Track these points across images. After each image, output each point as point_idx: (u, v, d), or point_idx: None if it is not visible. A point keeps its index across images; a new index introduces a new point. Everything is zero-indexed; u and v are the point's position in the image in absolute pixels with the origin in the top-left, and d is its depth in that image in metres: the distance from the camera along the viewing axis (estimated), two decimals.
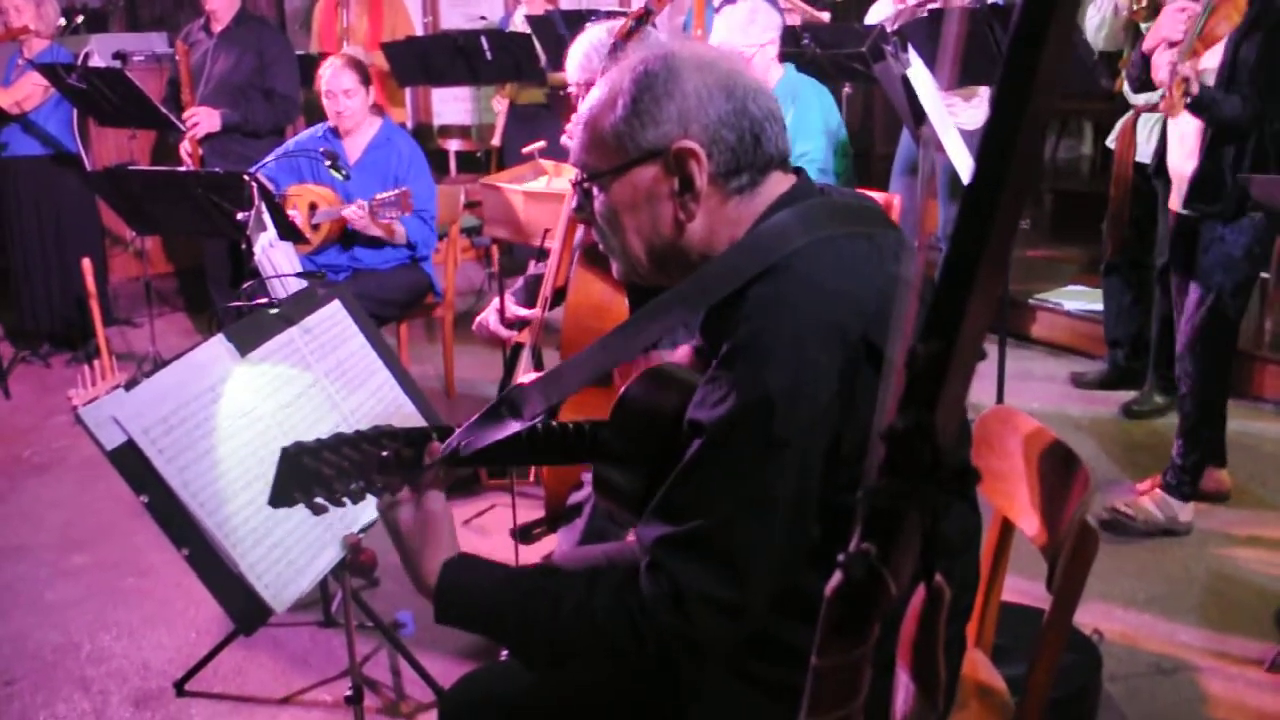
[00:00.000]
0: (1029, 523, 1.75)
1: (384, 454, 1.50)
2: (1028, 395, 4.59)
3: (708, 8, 5.17)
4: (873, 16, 5.17)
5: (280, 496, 1.50)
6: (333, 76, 4.31)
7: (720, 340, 1.36)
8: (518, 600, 1.42)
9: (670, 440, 1.40)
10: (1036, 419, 1.83)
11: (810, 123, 3.76)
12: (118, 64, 5.22)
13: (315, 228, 4.27)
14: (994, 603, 1.89)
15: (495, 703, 1.71)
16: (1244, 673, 2.84)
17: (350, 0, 5.99)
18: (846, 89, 5.44)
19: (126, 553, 3.59)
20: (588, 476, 2.69)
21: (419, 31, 6.59)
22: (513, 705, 1.69)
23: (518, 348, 3.27)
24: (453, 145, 6.97)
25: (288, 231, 3.57)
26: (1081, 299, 5.28)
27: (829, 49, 5.04)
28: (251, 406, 2.12)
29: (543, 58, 5.66)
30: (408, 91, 6.55)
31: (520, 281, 3.24)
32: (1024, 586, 2.71)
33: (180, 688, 2.87)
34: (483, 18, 7.01)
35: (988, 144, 0.67)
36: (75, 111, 5.27)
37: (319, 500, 1.50)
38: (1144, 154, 4.19)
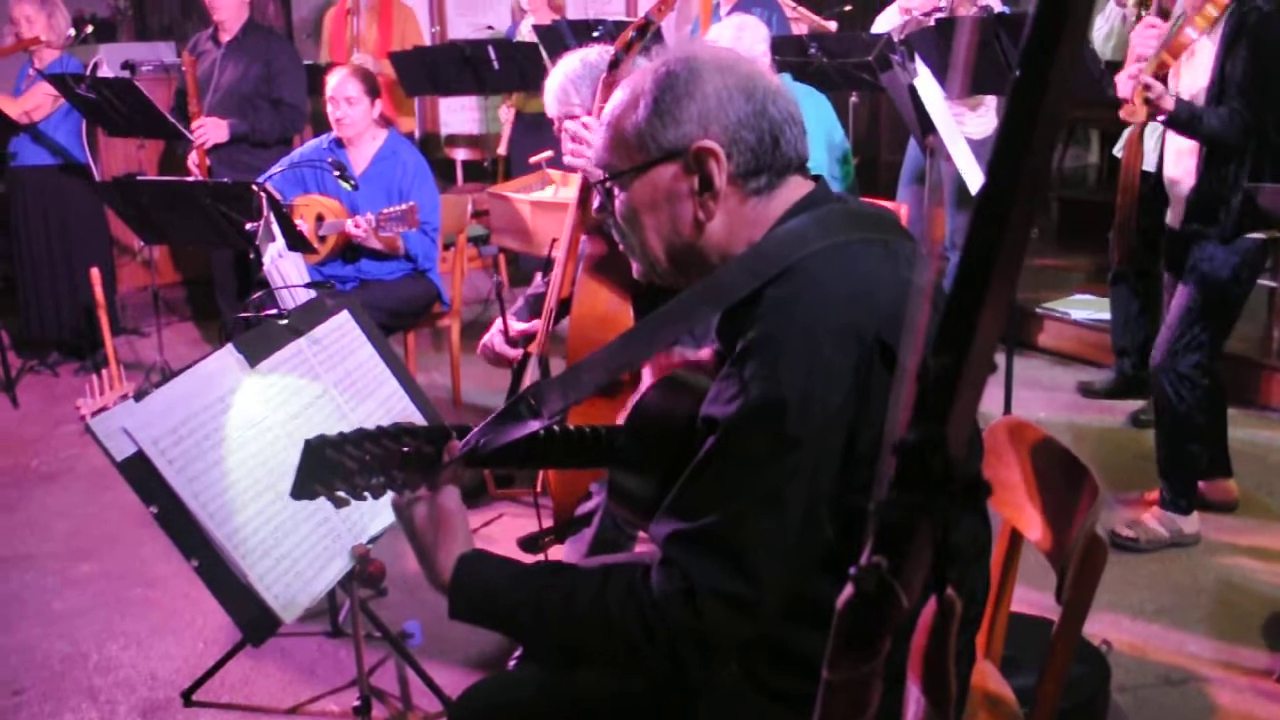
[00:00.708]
0: (1038, 533, 1.75)
1: (405, 450, 1.51)
2: (1035, 404, 4.58)
3: (714, 16, 5.19)
4: (879, 26, 5.18)
5: (302, 488, 1.50)
6: (338, 84, 4.32)
7: (735, 340, 1.37)
8: (531, 595, 1.42)
9: (686, 447, 1.40)
10: (1044, 428, 1.83)
11: (808, 129, 3.78)
12: (126, 74, 5.24)
13: (322, 239, 4.28)
14: (1003, 613, 1.88)
15: (502, 713, 1.71)
16: (1253, 683, 2.83)
17: (361, 8, 6.01)
18: (853, 98, 5.46)
19: (134, 562, 3.60)
20: (596, 486, 2.69)
21: (428, 41, 6.60)
22: (520, 715, 1.69)
23: (524, 358, 3.27)
24: (460, 154, 6.98)
25: (296, 242, 3.58)
26: (1089, 308, 5.27)
27: (836, 58, 5.04)
28: (261, 417, 2.13)
29: (549, 68, 5.66)
30: (416, 101, 6.55)
31: (521, 300, 3.24)
32: (1033, 597, 2.71)
33: (188, 698, 2.87)
34: (490, 27, 7.03)
35: (999, 157, 0.67)
36: (84, 121, 5.28)
37: (340, 493, 1.51)
38: (1150, 163, 4.19)
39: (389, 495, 1.54)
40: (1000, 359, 4.13)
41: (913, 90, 3.95)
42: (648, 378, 1.63)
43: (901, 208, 4.36)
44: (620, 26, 4.72)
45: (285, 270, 2.97)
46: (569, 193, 4.59)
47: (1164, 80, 3.37)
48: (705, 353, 1.70)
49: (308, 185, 4.41)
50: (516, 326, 3.11)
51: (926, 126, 3.96)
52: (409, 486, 1.51)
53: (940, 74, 4.13)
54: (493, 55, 5.61)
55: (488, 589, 1.45)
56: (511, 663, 2.16)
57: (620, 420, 1.60)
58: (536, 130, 6.08)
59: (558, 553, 2.84)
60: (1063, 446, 1.76)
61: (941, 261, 5.01)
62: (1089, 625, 1.65)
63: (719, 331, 1.48)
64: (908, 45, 4.73)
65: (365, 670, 2.60)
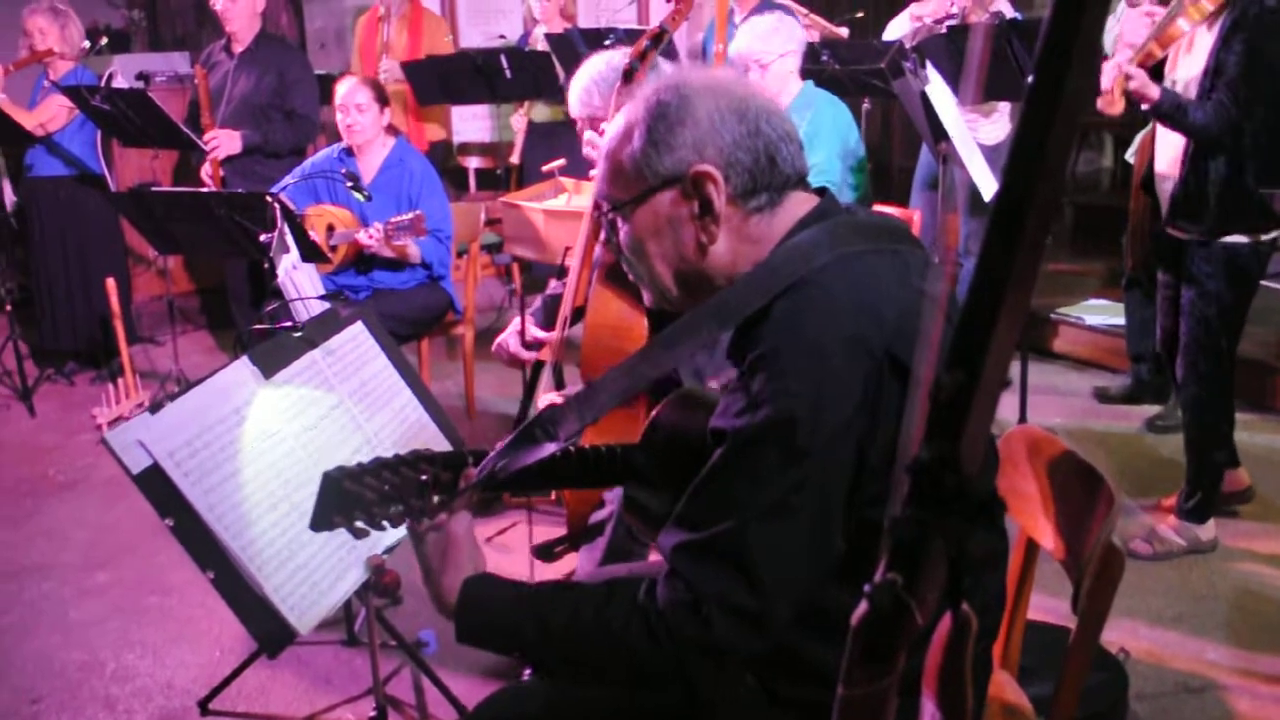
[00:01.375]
0: (1054, 543, 1.74)
1: (422, 477, 1.52)
2: (1051, 410, 4.57)
3: (730, 24, 5.19)
4: (890, 33, 5.18)
5: (321, 520, 1.52)
6: (348, 91, 4.34)
7: (746, 354, 1.37)
8: (536, 613, 1.43)
9: (699, 462, 1.41)
10: (1060, 435, 1.82)
11: (822, 133, 3.78)
12: (140, 85, 5.27)
13: (333, 249, 4.29)
14: (1019, 623, 1.88)
15: None
16: (1273, 691, 2.82)
17: (391, 16, 6.04)
18: (865, 104, 5.45)
19: (151, 571, 3.61)
20: (609, 496, 2.70)
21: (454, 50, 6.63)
22: None
23: (538, 366, 3.28)
24: (472, 163, 7.00)
25: (310, 252, 3.59)
26: (1104, 313, 5.25)
27: (848, 65, 5.05)
28: (276, 429, 2.14)
29: (562, 76, 5.68)
30: (447, 110, 6.58)
31: (538, 301, 3.25)
32: (1050, 605, 2.70)
33: (204, 707, 2.88)
34: (502, 36, 7.04)
35: (1014, 166, 0.66)
36: (99, 132, 5.31)
37: (360, 524, 1.52)
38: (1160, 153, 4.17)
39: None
40: (1015, 365, 4.12)
41: (925, 97, 3.95)
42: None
43: (915, 214, 4.35)
44: (632, 35, 4.72)
45: (299, 281, 2.98)
46: (582, 201, 4.60)
47: (1157, 72, 3.35)
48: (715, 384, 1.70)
49: (319, 195, 4.43)
50: (533, 332, 3.12)
51: (939, 133, 3.95)
52: (427, 514, 1.52)
53: (952, 80, 4.12)
54: (505, 64, 5.62)
55: (492, 611, 1.46)
56: (527, 673, 2.16)
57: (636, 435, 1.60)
58: (549, 138, 6.10)
59: (571, 561, 2.84)
60: (1079, 455, 1.75)
61: (955, 268, 5.00)
62: (1106, 632, 1.64)
63: (730, 346, 1.48)
64: (919, 52, 4.72)
65: (381, 679, 2.60)
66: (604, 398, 1.48)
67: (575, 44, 5.50)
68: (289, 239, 3.23)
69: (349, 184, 3.83)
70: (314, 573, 2.07)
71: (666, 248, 1.48)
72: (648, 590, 1.38)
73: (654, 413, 1.57)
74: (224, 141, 4.90)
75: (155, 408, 1.98)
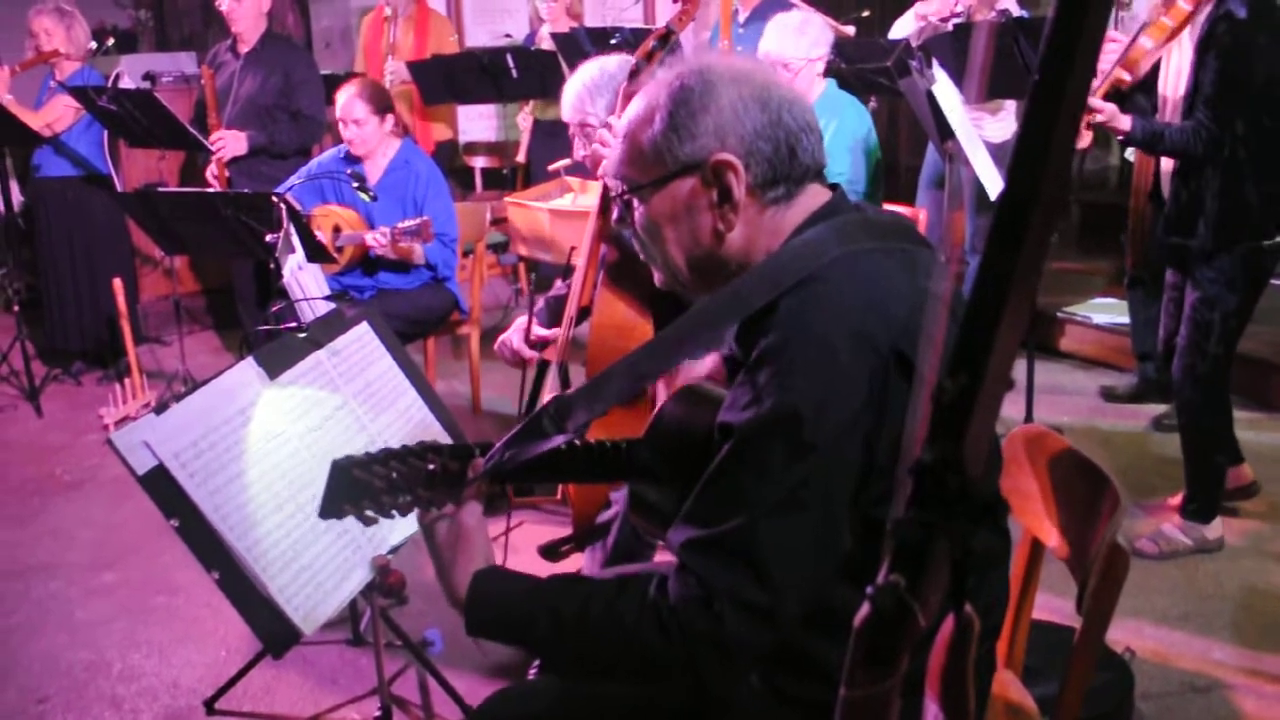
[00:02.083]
0: (1059, 542, 1.74)
1: (430, 467, 1.52)
2: (1057, 409, 4.56)
3: (734, 24, 5.19)
4: (896, 32, 5.17)
5: (330, 508, 1.52)
6: (345, 107, 4.32)
7: (751, 348, 1.37)
8: (546, 608, 1.43)
9: (705, 458, 1.40)
10: (1066, 434, 1.82)
11: (848, 143, 3.76)
12: (147, 85, 5.28)
13: (339, 250, 4.30)
14: (1024, 623, 1.87)
15: None
16: (1279, 690, 2.81)
17: (398, 16, 6.04)
18: (872, 103, 5.44)
19: (157, 571, 3.62)
20: (615, 495, 2.70)
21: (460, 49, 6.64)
22: None
23: (543, 366, 3.28)
24: (479, 162, 7.01)
25: (316, 253, 3.59)
26: (1110, 311, 5.25)
27: (854, 64, 5.04)
28: (281, 429, 2.14)
29: (568, 75, 5.67)
30: (454, 109, 6.59)
31: (542, 302, 3.25)
32: (1055, 604, 2.69)
33: (210, 706, 2.89)
34: (508, 36, 7.05)
35: (1018, 164, 0.66)
36: (106, 133, 5.32)
37: (369, 512, 1.52)
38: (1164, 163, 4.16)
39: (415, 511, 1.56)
40: (1021, 364, 4.11)
41: (931, 95, 3.94)
42: (663, 390, 1.64)
43: (921, 212, 4.35)
44: (638, 34, 4.72)
45: (305, 282, 2.98)
46: (588, 200, 4.60)
47: (1144, 88, 3.34)
48: (709, 362, 1.70)
49: (325, 195, 4.43)
50: (537, 331, 3.12)
51: (945, 131, 3.94)
52: (435, 504, 1.52)
53: (958, 79, 4.12)
54: (511, 63, 5.62)
55: (503, 604, 1.46)
56: (532, 671, 2.17)
57: (641, 431, 1.60)
58: (555, 138, 6.09)
59: (577, 561, 2.84)
60: (1083, 455, 1.75)
61: (961, 266, 4.99)
62: (1111, 632, 1.64)
63: (737, 340, 1.48)
64: (925, 51, 4.71)
65: (386, 679, 2.60)
66: (613, 389, 1.47)
67: (581, 43, 5.49)
68: (294, 239, 3.23)
69: (355, 184, 3.83)
70: (319, 573, 2.08)
71: (682, 233, 1.48)
72: (659, 585, 1.38)
73: (659, 408, 1.57)
74: (230, 142, 4.90)
75: (160, 408, 1.99)
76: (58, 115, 5.23)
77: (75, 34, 5.27)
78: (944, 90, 3.92)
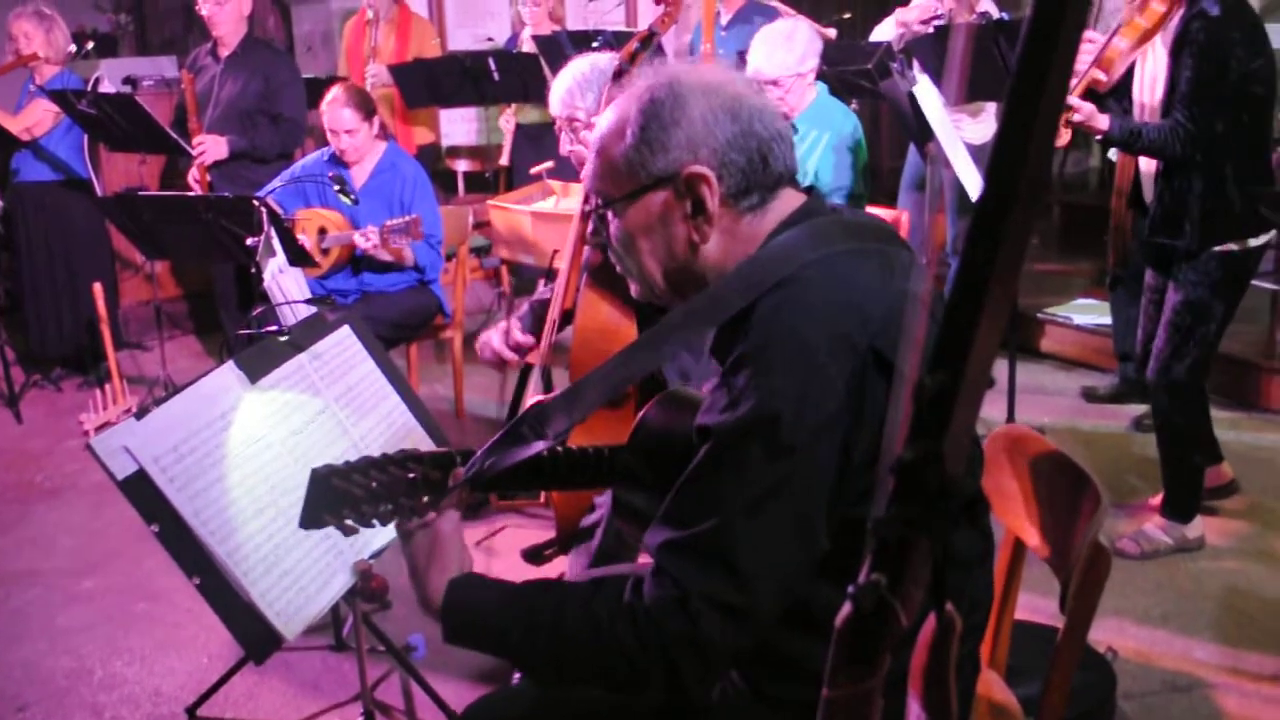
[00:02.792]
0: (1041, 542, 1.74)
1: (411, 476, 1.52)
2: (1039, 410, 4.58)
3: (716, 26, 5.19)
4: (876, 38, 5.19)
5: (310, 518, 1.52)
6: (333, 117, 4.31)
7: (728, 352, 1.37)
8: (521, 613, 1.42)
9: (689, 462, 1.40)
10: (1048, 434, 1.83)
11: (841, 153, 3.76)
12: (127, 89, 5.25)
13: (325, 252, 4.28)
14: (1007, 623, 1.88)
15: None
16: (1260, 689, 2.82)
17: (379, 20, 6.03)
18: (853, 105, 5.46)
19: (138, 577, 3.60)
20: (599, 500, 2.69)
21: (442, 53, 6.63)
22: None
23: (526, 370, 3.28)
24: (461, 165, 7.00)
25: (297, 256, 3.58)
26: (1091, 313, 5.27)
27: (835, 66, 5.05)
28: (262, 434, 2.13)
29: (550, 78, 5.67)
30: (436, 112, 6.58)
31: (526, 306, 3.24)
32: (1037, 604, 2.70)
33: (192, 714, 2.87)
34: (490, 39, 7.04)
35: (996, 164, 0.66)
36: (86, 137, 5.30)
37: (349, 522, 1.52)
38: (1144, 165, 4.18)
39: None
40: (1003, 365, 4.13)
41: (912, 97, 3.95)
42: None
43: (902, 214, 4.36)
44: (620, 37, 4.73)
45: (286, 285, 2.97)
46: (570, 203, 4.60)
47: (1118, 95, 3.35)
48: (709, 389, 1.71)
49: (309, 199, 4.42)
50: (516, 336, 3.11)
51: (926, 133, 3.96)
52: (416, 512, 1.51)
53: (940, 81, 4.13)
54: (493, 66, 5.62)
55: (477, 611, 1.45)
56: (516, 676, 2.16)
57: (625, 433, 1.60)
58: (537, 141, 6.10)
59: (560, 565, 2.84)
60: (1065, 455, 1.75)
61: (942, 268, 5.01)
62: (1094, 631, 1.65)
63: (714, 344, 1.48)
64: (907, 53, 4.73)
65: (369, 684, 2.60)
66: (591, 395, 1.48)
67: (563, 46, 5.49)
68: (275, 243, 3.22)
69: (336, 188, 3.82)
70: (300, 578, 2.07)
71: (657, 245, 1.48)
72: (634, 587, 1.38)
73: (641, 413, 1.57)
74: (211, 147, 4.88)
75: (141, 413, 1.98)
76: (37, 119, 5.19)
77: (55, 37, 5.24)
78: (925, 92, 3.93)
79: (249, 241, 3.40)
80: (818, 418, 1.30)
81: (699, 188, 1.42)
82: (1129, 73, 3.40)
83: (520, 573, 2.96)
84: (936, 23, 4.78)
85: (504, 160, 6.43)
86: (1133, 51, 3.26)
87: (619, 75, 2.76)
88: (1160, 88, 3.29)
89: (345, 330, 2.40)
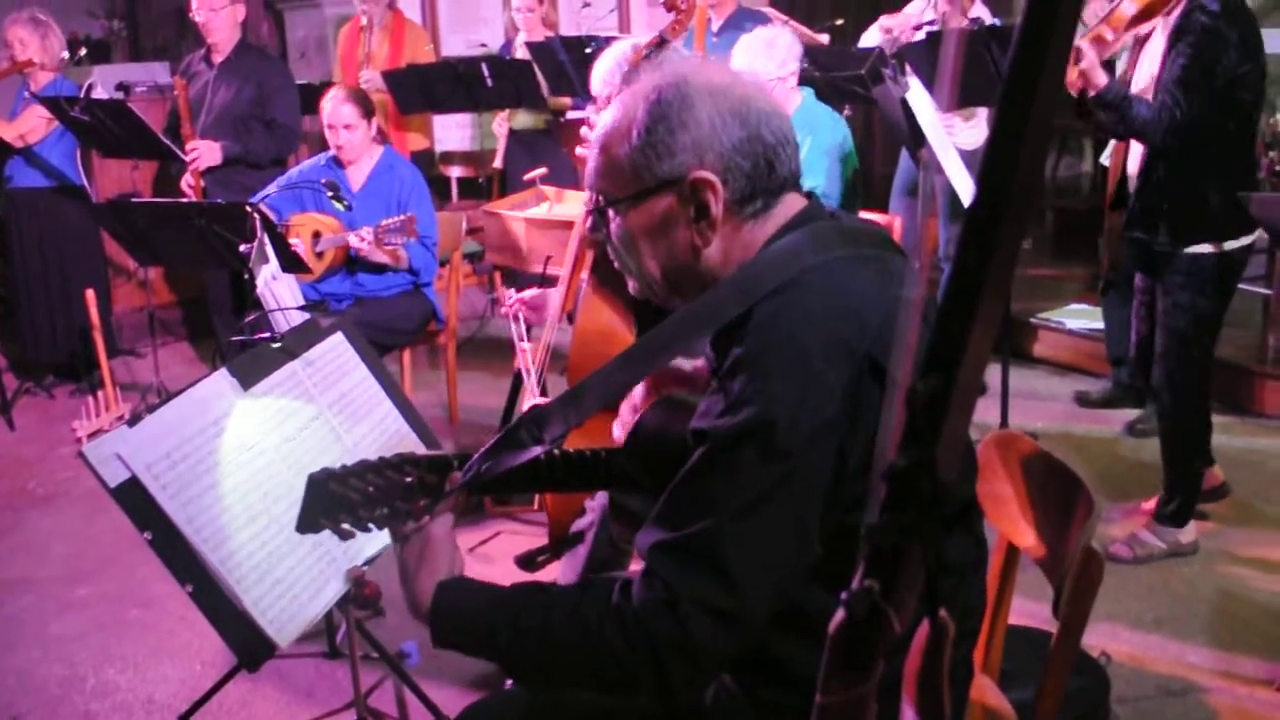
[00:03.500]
0: (1034, 547, 1.75)
1: (407, 480, 1.51)
2: (1032, 415, 4.58)
3: (708, 33, 5.20)
4: (864, 44, 5.21)
5: (307, 522, 1.52)
6: (333, 111, 4.35)
7: (725, 355, 1.37)
8: (509, 616, 1.41)
9: (683, 465, 1.40)
10: (1041, 439, 1.83)
11: (825, 157, 3.77)
12: (120, 95, 5.24)
13: (319, 255, 4.28)
14: (1000, 628, 1.88)
15: None
16: (1253, 693, 2.83)
17: (374, 27, 6.04)
18: (846, 111, 5.47)
19: (131, 584, 3.59)
20: (590, 504, 2.69)
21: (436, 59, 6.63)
22: None
23: (519, 375, 3.28)
24: (454, 171, 7.00)
25: (291, 263, 3.58)
26: (1084, 318, 5.28)
27: (828, 71, 5.06)
28: (255, 441, 2.13)
29: (543, 84, 5.68)
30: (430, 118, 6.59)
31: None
32: (1031, 609, 2.70)
33: None
34: (483, 45, 7.04)
35: (987, 170, 0.67)
36: (79, 143, 5.29)
37: (345, 526, 1.52)
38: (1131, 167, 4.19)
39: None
40: (996, 370, 4.13)
41: (904, 103, 3.96)
42: (640, 391, 1.63)
43: (895, 220, 4.36)
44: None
45: (279, 292, 2.96)
46: (563, 209, 4.61)
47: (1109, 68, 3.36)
48: (699, 364, 1.70)
49: (305, 204, 4.42)
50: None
51: (918, 139, 3.96)
52: (412, 517, 1.51)
53: (933, 87, 4.14)
54: (486, 73, 5.62)
55: (465, 615, 1.44)
56: (509, 682, 2.16)
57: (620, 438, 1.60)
58: (531, 147, 6.10)
59: (554, 570, 2.84)
60: (1058, 460, 1.75)
61: (935, 273, 5.02)
62: (1087, 636, 1.65)
63: (712, 347, 1.48)
64: (900, 59, 4.74)
65: (363, 691, 2.59)
66: (589, 400, 1.47)
67: (556, 52, 5.50)
68: (268, 249, 3.22)
69: (329, 193, 3.82)
70: (294, 585, 2.06)
71: (658, 247, 1.47)
72: (622, 589, 1.37)
73: (638, 416, 1.57)
74: (204, 153, 4.88)
75: (133, 420, 1.97)
76: (31, 126, 5.18)
77: (50, 44, 5.23)
78: (917, 98, 3.94)
79: (242, 248, 3.40)
80: (813, 423, 1.30)
81: (703, 193, 1.41)
82: (1125, 78, 3.41)
83: (514, 579, 2.95)
84: (929, 28, 4.79)
85: (497, 166, 6.44)
86: (1136, 23, 3.25)
87: (627, 79, 2.77)
88: (1146, 75, 3.29)
89: (338, 337, 2.39)
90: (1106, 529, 3.57)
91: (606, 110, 1.51)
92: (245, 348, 2.39)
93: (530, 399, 3.05)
